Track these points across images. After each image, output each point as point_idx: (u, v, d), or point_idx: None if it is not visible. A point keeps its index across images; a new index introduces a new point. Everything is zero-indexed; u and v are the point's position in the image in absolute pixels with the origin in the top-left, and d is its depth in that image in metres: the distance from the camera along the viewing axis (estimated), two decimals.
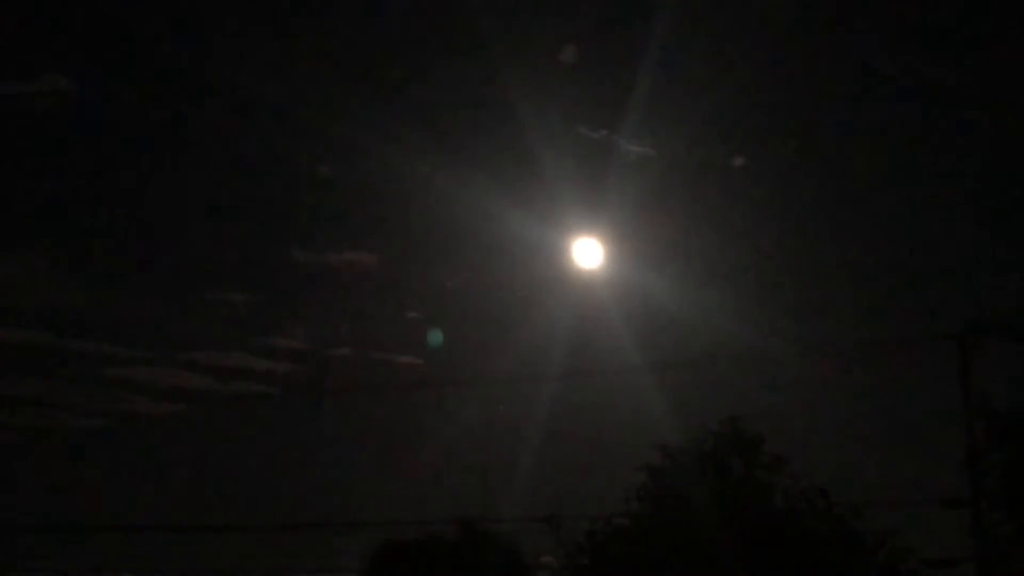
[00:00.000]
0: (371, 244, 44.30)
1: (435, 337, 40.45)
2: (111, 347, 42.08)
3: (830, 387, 32.64)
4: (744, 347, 30.72)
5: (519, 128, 38.40)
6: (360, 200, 43.92)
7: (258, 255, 44.67)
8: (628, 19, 39.68)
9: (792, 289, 40.74)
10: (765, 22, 38.76)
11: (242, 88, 40.82)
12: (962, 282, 39.69)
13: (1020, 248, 39.93)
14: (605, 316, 35.74)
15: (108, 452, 40.91)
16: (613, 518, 26.22)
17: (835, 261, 42.22)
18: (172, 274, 44.21)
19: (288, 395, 41.57)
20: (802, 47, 41.68)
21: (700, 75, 39.83)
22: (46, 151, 43.64)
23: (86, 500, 36.99)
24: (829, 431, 34.12)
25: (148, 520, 33.58)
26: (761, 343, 31.12)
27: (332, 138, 41.97)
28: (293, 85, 42.04)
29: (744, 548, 24.15)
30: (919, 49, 41.84)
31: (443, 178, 39.72)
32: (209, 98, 42.72)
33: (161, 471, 39.86)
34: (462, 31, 39.31)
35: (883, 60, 42.59)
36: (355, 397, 36.12)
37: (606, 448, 33.26)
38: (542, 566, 28.31)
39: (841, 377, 30.93)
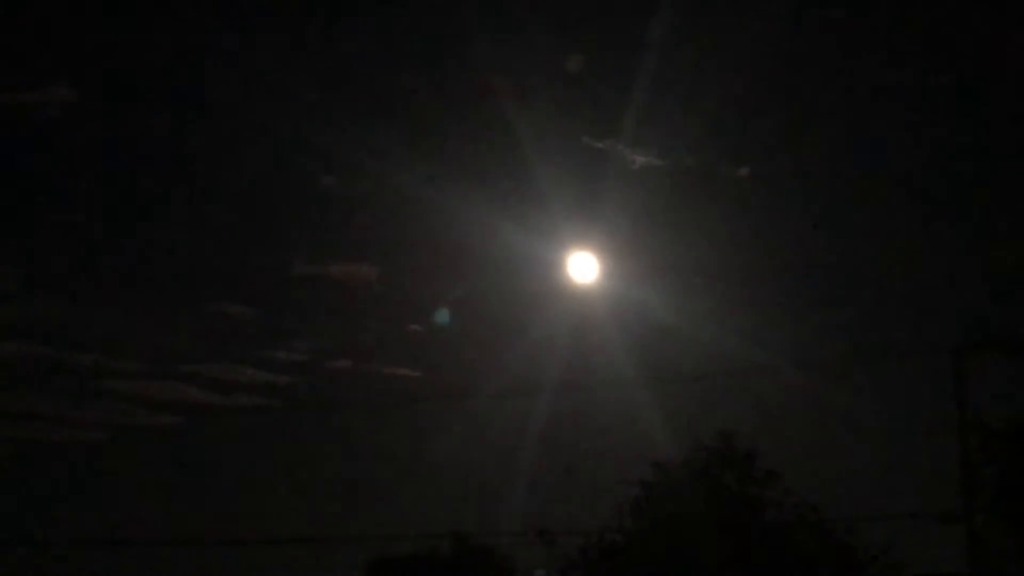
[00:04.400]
0: (371, 257, 44.37)
1: (442, 315, 40.13)
2: (111, 360, 42.19)
3: (825, 400, 32.53)
4: (740, 361, 30.67)
5: (522, 141, 38.42)
6: (360, 213, 44.06)
7: (258, 268, 44.79)
8: (633, 29, 39.63)
9: (788, 302, 40.68)
10: (770, 33, 38.76)
11: (244, 102, 40.98)
12: (958, 295, 39.63)
13: (1015, 262, 39.76)
14: (603, 330, 35.78)
15: (108, 465, 40.98)
16: (606, 533, 26.18)
17: (832, 273, 42.14)
18: (172, 287, 44.36)
19: (287, 407, 41.61)
20: (807, 58, 41.72)
21: (706, 85, 39.81)
22: (50, 162, 43.88)
23: (85, 513, 37.10)
24: (823, 444, 34.04)
25: (147, 533, 33.68)
26: (756, 357, 31.07)
27: (333, 152, 42.02)
28: (294, 99, 42.20)
29: (736, 563, 24.10)
30: (922, 59, 41.80)
31: (444, 191, 39.73)
32: (211, 112, 42.92)
33: (161, 484, 39.92)
34: (464, 44, 39.39)
35: (887, 71, 42.52)
36: (353, 410, 36.14)
37: (601, 462, 33.19)
38: None
39: (836, 390, 30.83)
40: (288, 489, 39.62)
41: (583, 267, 35.26)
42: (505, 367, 35.76)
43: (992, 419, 24.63)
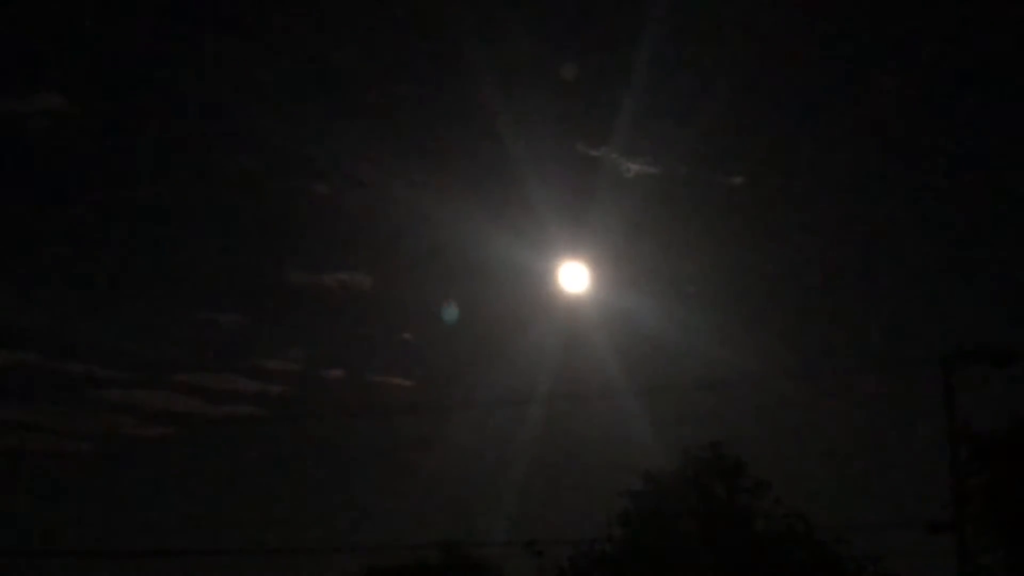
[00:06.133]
0: (365, 265, 44.24)
1: (450, 312, 39.63)
2: (100, 369, 41.98)
3: (815, 410, 32.54)
4: (730, 372, 30.62)
5: (515, 149, 38.43)
6: (354, 222, 43.97)
7: (250, 275, 44.61)
8: (627, 38, 39.62)
9: (780, 313, 40.65)
10: (764, 41, 38.84)
11: (238, 111, 40.92)
12: (947, 305, 39.69)
13: (1004, 272, 39.86)
14: (595, 339, 35.78)
15: (97, 475, 40.80)
16: (595, 543, 26.12)
17: (823, 283, 42.12)
18: (163, 294, 44.10)
19: (280, 417, 41.52)
20: (802, 66, 41.75)
21: (701, 93, 39.83)
22: (41, 170, 43.82)
23: (74, 524, 36.91)
24: (813, 454, 34.03)
25: (137, 544, 33.49)
26: (747, 367, 31.06)
27: (326, 160, 42.04)
28: (288, 107, 42.16)
29: (725, 573, 24.06)
30: (918, 67, 41.85)
31: (438, 200, 39.73)
32: (204, 120, 42.90)
33: (150, 494, 39.78)
34: (457, 53, 39.40)
35: (882, 79, 42.56)
36: (345, 419, 36.04)
37: (591, 472, 33.15)
38: None
39: (826, 400, 30.85)
40: (278, 499, 39.52)
41: (576, 276, 35.33)
42: (497, 376, 35.75)
43: (982, 429, 24.68)
